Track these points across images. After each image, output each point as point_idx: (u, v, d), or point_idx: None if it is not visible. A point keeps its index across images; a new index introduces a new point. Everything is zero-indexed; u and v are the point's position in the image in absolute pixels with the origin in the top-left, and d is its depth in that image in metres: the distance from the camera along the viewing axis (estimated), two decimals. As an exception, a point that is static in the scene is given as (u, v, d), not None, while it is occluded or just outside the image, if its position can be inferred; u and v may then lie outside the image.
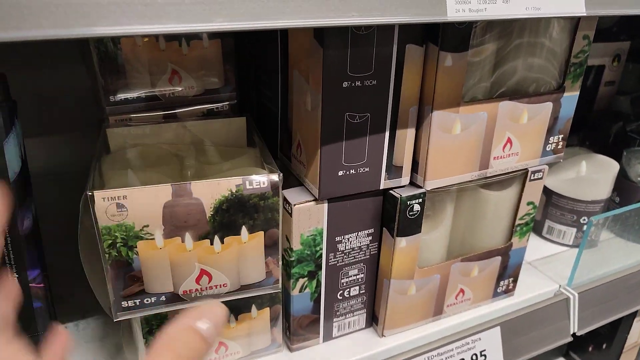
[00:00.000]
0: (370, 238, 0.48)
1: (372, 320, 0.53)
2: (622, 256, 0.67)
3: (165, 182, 0.38)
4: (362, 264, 0.49)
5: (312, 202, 0.44)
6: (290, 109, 0.46)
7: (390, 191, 0.46)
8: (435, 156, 0.45)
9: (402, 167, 0.45)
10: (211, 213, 0.39)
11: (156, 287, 0.41)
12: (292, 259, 0.45)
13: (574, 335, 0.61)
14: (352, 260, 0.48)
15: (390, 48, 0.40)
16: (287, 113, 0.47)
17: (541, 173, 0.52)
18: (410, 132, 0.44)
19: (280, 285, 0.44)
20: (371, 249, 0.49)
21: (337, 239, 0.47)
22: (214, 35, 0.48)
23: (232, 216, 0.39)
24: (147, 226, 0.37)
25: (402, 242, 0.47)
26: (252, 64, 0.55)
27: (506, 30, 0.45)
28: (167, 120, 0.48)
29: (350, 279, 0.49)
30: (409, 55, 0.41)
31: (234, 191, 0.39)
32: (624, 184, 0.70)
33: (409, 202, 0.45)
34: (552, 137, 0.51)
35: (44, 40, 0.23)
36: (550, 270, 0.64)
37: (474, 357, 0.55)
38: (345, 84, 0.39)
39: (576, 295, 0.60)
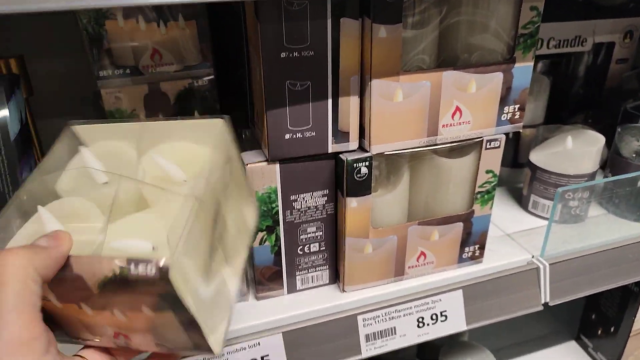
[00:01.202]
0: (326, 198, 0.53)
1: (336, 277, 0.58)
2: (607, 231, 0.67)
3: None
4: (320, 222, 0.54)
5: (264, 163, 0.49)
6: (250, 81, 0.52)
7: (340, 155, 0.50)
8: (378, 122, 0.48)
9: (349, 132, 0.49)
10: (97, 291, 0.31)
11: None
12: (250, 214, 0.51)
13: (546, 305, 0.62)
14: (309, 219, 0.53)
15: (325, 22, 0.44)
16: (250, 85, 0.53)
17: (498, 142, 0.54)
18: (354, 100, 0.48)
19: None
20: (327, 208, 0.53)
21: (292, 197, 0.52)
22: (189, 16, 0.54)
23: (119, 297, 0.32)
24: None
25: (352, 202, 0.51)
26: (228, 43, 0.61)
27: (449, 1, 0.48)
28: (131, 121, 0.45)
29: (308, 235, 0.54)
30: (345, 28, 0.45)
31: (117, 273, 0.30)
32: (616, 161, 0.70)
33: (355, 165, 0.49)
34: (506, 107, 0.53)
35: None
36: (528, 242, 0.65)
37: (434, 317, 0.58)
38: (283, 55, 0.44)
39: (547, 265, 0.61)
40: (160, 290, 0.30)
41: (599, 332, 0.91)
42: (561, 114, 0.85)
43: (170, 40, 0.54)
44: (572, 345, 0.99)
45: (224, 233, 0.39)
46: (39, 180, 0.37)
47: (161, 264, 0.29)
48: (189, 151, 0.40)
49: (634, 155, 0.68)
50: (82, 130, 0.41)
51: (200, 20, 0.54)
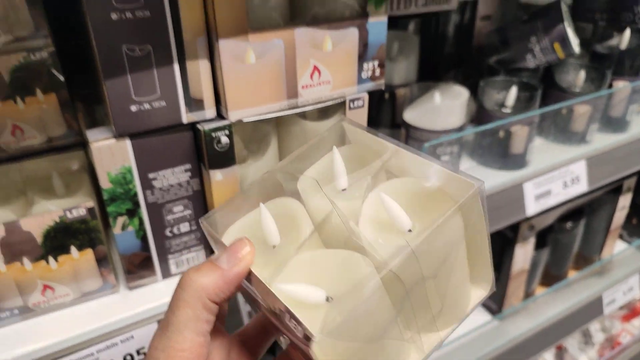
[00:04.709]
0: (190, 174, 0.50)
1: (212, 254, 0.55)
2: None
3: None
4: (186, 199, 0.51)
5: (112, 140, 0.45)
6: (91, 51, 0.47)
7: (197, 125, 0.47)
8: (233, 86, 0.46)
9: (203, 99, 0.47)
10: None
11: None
12: (105, 198, 0.47)
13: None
14: (174, 197, 0.50)
15: (158, -22, 0.40)
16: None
17: (361, 101, 0.54)
18: (204, 64, 0.45)
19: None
20: (193, 184, 0.51)
21: (151, 175, 0.48)
22: (11, -19, 0.47)
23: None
24: None
25: (217, 174, 0.49)
26: (71, 12, 0.55)
27: (295, -43, 0.46)
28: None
29: (176, 215, 0.51)
30: (182, -16, 0.41)
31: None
32: (481, 114, 0.73)
33: (213, 134, 0.47)
34: (365, 64, 0.52)
35: None
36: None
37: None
38: (114, 16, 0.40)
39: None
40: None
41: (485, 278, 0.97)
42: (434, 72, 0.88)
43: (-9, 9, 0.47)
44: (464, 294, 1.05)
45: (418, 311, 0.33)
46: (290, 166, 0.37)
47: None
48: (427, 195, 0.33)
49: (496, 107, 0.72)
50: (350, 129, 0.39)
51: (24, -15, 0.48)
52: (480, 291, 0.37)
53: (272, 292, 0.28)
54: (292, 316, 0.27)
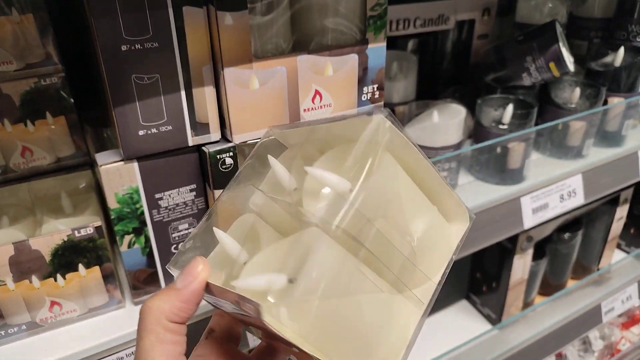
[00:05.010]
0: (195, 193, 0.51)
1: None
2: (476, 195, 0.71)
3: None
4: (191, 218, 0.52)
5: (120, 163, 0.47)
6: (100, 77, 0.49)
7: (202, 147, 0.49)
8: (237, 111, 0.48)
9: (209, 123, 0.48)
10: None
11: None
12: (112, 217, 0.48)
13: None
14: (179, 216, 0.52)
15: (166, 11, 0.42)
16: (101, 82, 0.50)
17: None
18: (209, 90, 0.47)
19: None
20: (197, 203, 0.52)
21: (157, 196, 0.50)
22: (25, 9, 0.49)
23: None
24: None
25: (223, 195, 0.50)
26: (79, 38, 0.57)
27: (297, -13, 0.48)
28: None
29: (181, 233, 0.53)
30: (188, 16, 0.43)
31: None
32: (478, 131, 0.75)
33: (218, 156, 0.48)
34: (365, 88, 0.54)
35: None
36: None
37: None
38: (123, 48, 0.42)
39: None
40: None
41: (484, 289, 0.99)
42: (432, 90, 0.90)
43: (3, 35, 0.49)
44: (463, 303, 1.06)
45: (385, 254, 0.33)
46: (236, 190, 0.38)
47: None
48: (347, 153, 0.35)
49: (493, 124, 0.73)
50: (279, 134, 0.42)
51: (38, 13, 0.50)
52: (460, 225, 0.38)
53: (226, 288, 0.29)
54: (242, 298, 0.28)
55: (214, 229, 0.34)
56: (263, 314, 0.27)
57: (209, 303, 0.36)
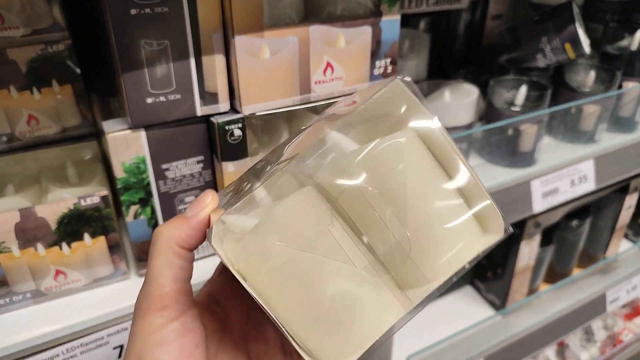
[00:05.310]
0: (202, 165, 0.51)
1: (223, 245, 0.56)
2: (485, 178, 0.70)
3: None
4: (198, 190, 0.52)
5: (128, 131, 0.46)
6: (108, 45, 0.48)
7: (211, 118, 0.48)
8: (247, 81, 0.47)
9: (218, 93, 0.47)
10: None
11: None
12: (119, 186, 0.48)
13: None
14: (185, 188, 0.51)
15: (176, -26, 0.41)
16: (109, 49, 0.49)
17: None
18: (219, 59, 0.46)
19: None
20: (205, 175, 0.51)
21: (164, 166, 0.49)
22: (30, -27, 0.48)
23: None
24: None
25: (229, 166, 0.50)
26: (87, 5, 0.55)
27: (311, -46, 0.47)
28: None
29: (187, 205, 0.52)
30: (200, -20, 0.42)
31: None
32: (490, 112, 0.73)
33: (227, 127, 0.48)
34: (378, 62, 0.53)
35: None
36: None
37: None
38: (133, 12, 0.41)
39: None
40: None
41: (489, 274, 0.98)
42: (443, 71, 0.88)
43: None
44: (468, 289, 1.06)
45: (367, 226, 0.30)
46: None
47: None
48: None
49: (505, 105, 0.72)
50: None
51: (43, -22, 0.49)
52: (491, 235, 0.32)
53: (211, 218, 0.30)
54: (210, 227, 0.28)
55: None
56: (212, 237, 0.28)
57: None
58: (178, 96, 0.46)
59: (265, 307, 0.28)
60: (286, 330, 0.28)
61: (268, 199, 0.30)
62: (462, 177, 0.32)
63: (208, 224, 0.32)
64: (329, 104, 0.53)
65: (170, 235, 0.31)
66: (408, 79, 0.32)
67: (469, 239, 0.31)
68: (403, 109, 0.32)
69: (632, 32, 0.79)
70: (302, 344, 0.29)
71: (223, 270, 0.38)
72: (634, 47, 0.79)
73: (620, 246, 1.14)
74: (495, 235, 0.32)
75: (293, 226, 0.28)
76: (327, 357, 0.29)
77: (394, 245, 0.30)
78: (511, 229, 0.32)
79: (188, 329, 0.31)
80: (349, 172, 0.29)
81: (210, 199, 0.33)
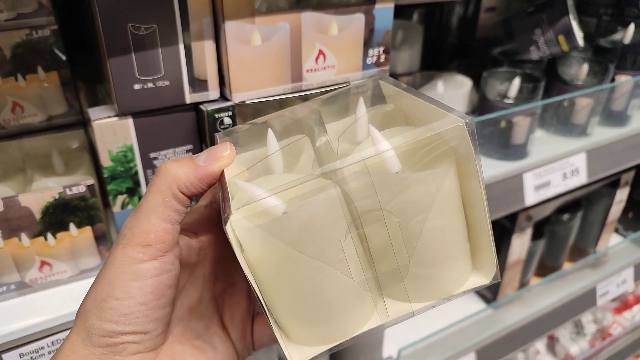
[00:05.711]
0: (191, 154, 0.50)
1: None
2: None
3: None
4: (187, 180, 0.51)
5: (115, 118, 0.45)
6: (95, 29, 0.46)
7: (200, 105, 0.47)
8: (237, 68, 0.46)
9: (207, 80, 0.46)
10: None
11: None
12: (106, 175, 0.47)
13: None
14: (174, 177, 0.50)
15: (164, -44, 0.40)
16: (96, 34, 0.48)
17: (365, 87, 0.54)
18: (209, 45, 0.45)
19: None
20: (194, 165, 0.50)
21: (152, 155, 0.48)
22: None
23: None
24: None
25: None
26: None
27: (303, -61, 0.46)
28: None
29: (176, 195, 0.51)
30: (189, -37, 0.41)
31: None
32: (483, 104, 0.73)
33: (216, 115, 0.47)
34: (371, 50, 0.52)
35: None
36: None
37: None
38: (119, -6, 0.40)
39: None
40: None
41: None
42: (436, 63, 0.88)
43: (-7, -17, 0.47)
44: (459, 283, 1.05)
45: (376, 247, 0.31)
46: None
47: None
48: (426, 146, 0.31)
49: (498, 97, 0.72)
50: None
51: (28, -40, 0.47)
52: (479, 278, 0.34)
53: (226, 182, 0.29)
54: (228, 200, 0.27)
55: (269, 132, 0.33)
56: (229, 222, 0.27)
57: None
58: (166, 83, 0.45)
59: (251, 281, 0.29)
60: (265, 306, 0.29)
61: (294, 193, 0.29)
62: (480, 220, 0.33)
63: (218, 178, 0.31)
64: (321, 93, 0.53)
65: (175, 176, 0.30)
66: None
67: (459, 276, 0.33)
68: (458, 150, 0.31)
69: (625, 26, 0.79)
70: (278, 321, 0.30)
71: (210, 205, 0.37)
72: (626, 40, 0.78)
73: (611, 240, 1.14)
74: (482, 279, 0.33)
75: (308, 230, 0.28)
76: (297, 339, 0.31)
77: (394, 270, 0.31)
78: (499, 278, 0.34)
79: (166, 269, 0.30)
80: (382, 194, 0.29)
81: (227, 152, 0.31)
